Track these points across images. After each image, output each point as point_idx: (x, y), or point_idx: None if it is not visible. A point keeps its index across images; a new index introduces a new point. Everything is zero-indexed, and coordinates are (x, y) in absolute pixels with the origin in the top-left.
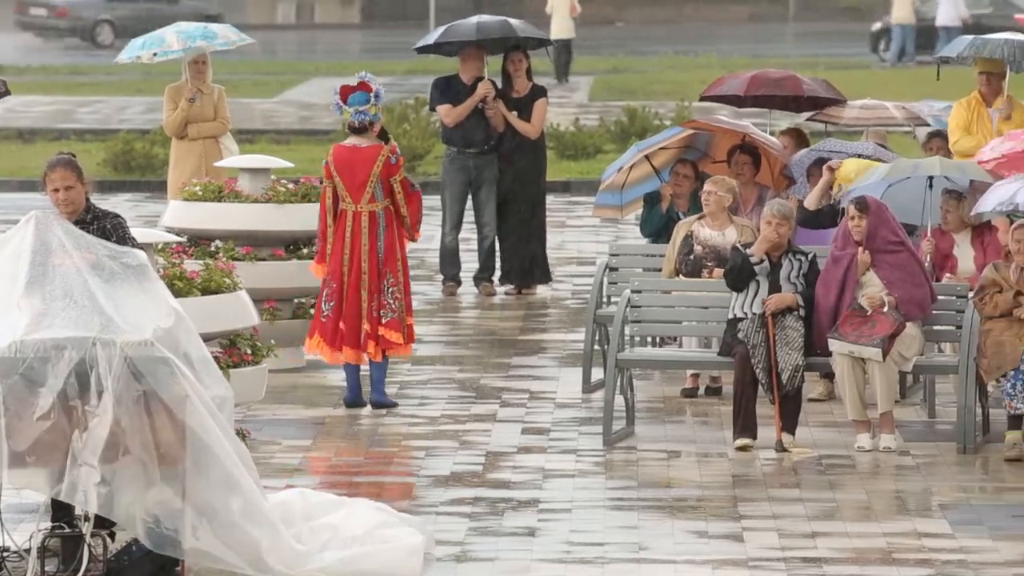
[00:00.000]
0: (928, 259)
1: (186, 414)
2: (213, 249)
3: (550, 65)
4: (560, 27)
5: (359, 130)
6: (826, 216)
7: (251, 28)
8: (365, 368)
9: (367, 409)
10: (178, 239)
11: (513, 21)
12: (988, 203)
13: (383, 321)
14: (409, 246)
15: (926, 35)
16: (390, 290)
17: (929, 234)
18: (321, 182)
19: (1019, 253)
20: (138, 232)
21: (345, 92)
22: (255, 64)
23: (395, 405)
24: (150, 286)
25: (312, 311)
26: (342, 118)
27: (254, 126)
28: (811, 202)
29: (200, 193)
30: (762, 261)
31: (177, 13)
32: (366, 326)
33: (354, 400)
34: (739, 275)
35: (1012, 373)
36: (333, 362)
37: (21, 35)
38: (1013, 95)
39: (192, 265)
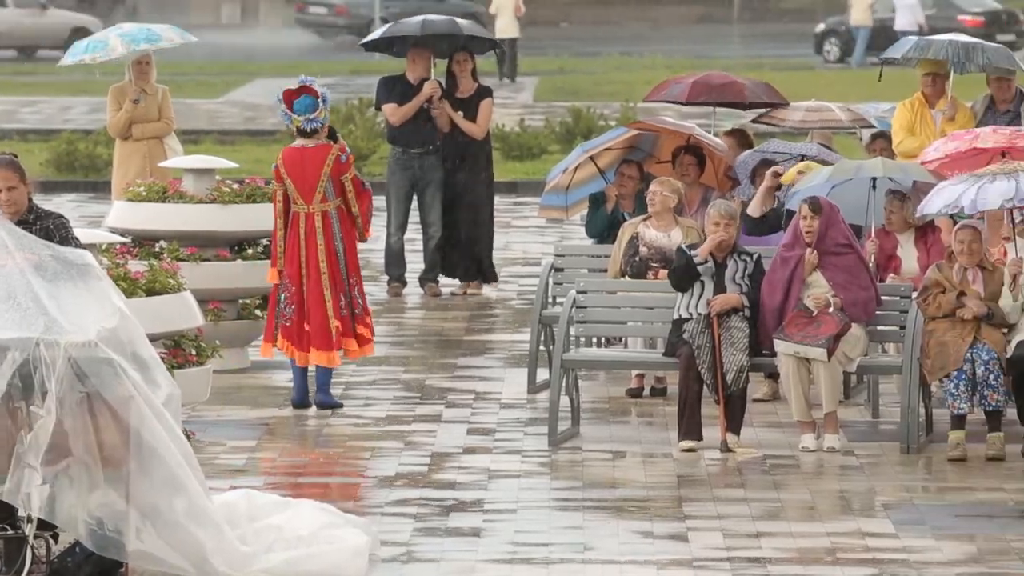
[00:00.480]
0: (872, 259)
1: (130, 415)
2: (157, 250)
3: (496, 66)
4: (505, 26)
5: (309, 133)
6: (770, 222)
7: (195, 28)
8: (312, 368)
9: (312, 410)
10: (122, 240)
11: (460, 21)
12: (934, 205)
13: (358, 318)
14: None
15: (880, 37)
16: (356, 288)
17: (873, 235)
18: (267, 183)
19: (962, 254)
20: (82, 233)
21: (288, 97)
22: (199, 64)
23: (340, 406)
24: (95, 285)
25: (257, 312)
26: (291, 126)
27: (198, 126)
28: (754, 208)
29: (144, 193)
30: (706, 262)
31: (444, 10)
32: (336, 323)
33: (301, 400)
34: (682, 276)
35: (955, 373)
36: (304, 364)
37: (301, 33)
38: (957, 96)
39: (136, 266)
